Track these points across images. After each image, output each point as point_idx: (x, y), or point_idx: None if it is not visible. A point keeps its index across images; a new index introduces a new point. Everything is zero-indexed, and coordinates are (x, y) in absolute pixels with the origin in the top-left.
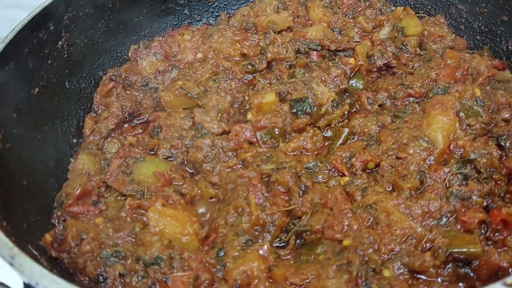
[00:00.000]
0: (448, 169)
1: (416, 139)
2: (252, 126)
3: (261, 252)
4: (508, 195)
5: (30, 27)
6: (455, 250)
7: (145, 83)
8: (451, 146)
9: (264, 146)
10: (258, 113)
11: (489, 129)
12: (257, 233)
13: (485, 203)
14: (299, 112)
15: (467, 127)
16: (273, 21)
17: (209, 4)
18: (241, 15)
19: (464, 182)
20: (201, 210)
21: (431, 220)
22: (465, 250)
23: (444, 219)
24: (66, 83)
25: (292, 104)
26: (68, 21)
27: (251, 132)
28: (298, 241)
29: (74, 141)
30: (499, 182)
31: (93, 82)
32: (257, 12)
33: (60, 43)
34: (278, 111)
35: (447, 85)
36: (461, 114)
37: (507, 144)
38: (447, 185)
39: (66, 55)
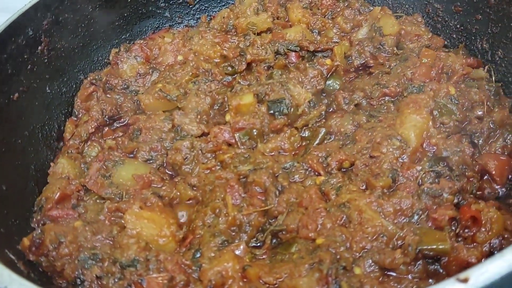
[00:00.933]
0: (420, 167)
1: (389, 138)
2: (231, 127)
3: (237, 252)
4: (480, 192)
5: (8, 33)
6: (425, 247)
7: (125, 86)
8: (424, 144)
9: (242, 147)
10: (236, 115)
11: (462, 127)
12: (233, 233)
13: (456, 200)
14: (276, 113)
15: (441, 125)
16: (252, 22)
17: (190, 6)
18: (221, 17)
19: (436, 180)
20: (179, 212)
21: (402, 217)
22: (434, 247)
23: (416, 217)
24: (47, 88)
25: (269, 105)
26: (48, 26)
27: (229, 134)
28: (274, 241)
29: (55, 145)
30: (471, 179)
31: (74, 86)
32: (237, 14)
33: (40, 48)
34: (256, 112)
35: (422, 84)
36: (435, 112)
37: (480, 141)
38: (420, 183)
39: (46, 60)
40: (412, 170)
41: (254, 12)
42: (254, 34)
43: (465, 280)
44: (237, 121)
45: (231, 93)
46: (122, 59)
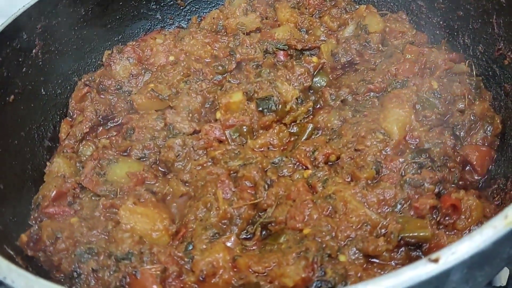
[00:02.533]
0: (403, 159)
1: (373, 132)
2: (221, 125)
3: (228, 244)
4: (462, 182)
5: (3, 37)
6: (406, 234)
7: (118, 86)
8: (407, 137)
9: (233, 143)
10: (227, 112)
11: (445, 119)
12: (225, 226)
13: (437, 190)
14: (265, 110)
15: (423, 118)
16: (241, 23)
17: (181, 8)
18: (212, 18)
19: (418, 171)
20: (173, 207)
21: (386, 207)
22: (415, 234)
23: (399, 206)
24: (42, 90)
25: (258, 103)
26: (42, 30)
27: (220, 131)
28: (264, 232)
29: (51, 145)
30: (453, 169)
31: (68, 87)
32: (226, 14)
33: (34, 51)
34: (245, 110)
35: (405, 79)
36: (418, 106)
37: (462, 133)
38: (403, 174)
39: (41, 63)
40: (395, 162)
41: (243, 13)
42: (244, 34)
43: (436, 260)
44: (227, 119)
45: (221, 91)
46: (115, 61)
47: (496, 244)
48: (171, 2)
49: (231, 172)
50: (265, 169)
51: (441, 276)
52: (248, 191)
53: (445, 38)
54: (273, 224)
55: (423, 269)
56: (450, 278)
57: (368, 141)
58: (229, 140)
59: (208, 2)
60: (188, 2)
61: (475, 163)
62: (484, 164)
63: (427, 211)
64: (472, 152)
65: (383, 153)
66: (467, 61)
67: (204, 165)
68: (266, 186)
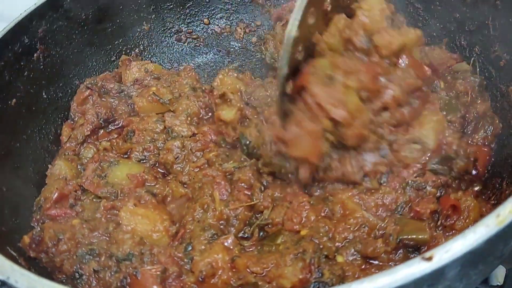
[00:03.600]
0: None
1: None
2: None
3: (226, 244)
4: (463, 183)
5: (4, 41)
6: (405, 236)
7: (120, 90)
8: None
9: (228, 146)
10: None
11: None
12: (222, 227)
13: (438, 194)
14: None
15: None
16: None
17: (181, 11)
18: (337, 28)
19: (421, 174)
20: (172, 208)
21: (385, 210)
22: (414, 236)
23: (399, 209)
24: (43, 93)
25: None
26: (43, 34)
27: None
28: (261, 233)
29: (53, 148)
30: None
31: (69, 91)
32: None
33: (35, 55)
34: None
35: None
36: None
37: (469, 131)
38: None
39: (42, 67)
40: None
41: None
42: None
43: (429, 259)
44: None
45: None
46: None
47: (488, 242)
48: (171, 6)
49: (227, 174)
50: (261, 171)
51: (435, 274)
52: (245, 192)
53: (443, 40)
54: (270, 225)
55: (417, 267)
56: (444, 276)
57: None
58: (222, 144)
59: (207, 6)
60: (187, 6)
61: (477, 163)
62: (485, 164)
63: (428, 215)
64: (475, 152)
65: None
66: (472, 59)
67: (201, 166)
68: (262, 188)
